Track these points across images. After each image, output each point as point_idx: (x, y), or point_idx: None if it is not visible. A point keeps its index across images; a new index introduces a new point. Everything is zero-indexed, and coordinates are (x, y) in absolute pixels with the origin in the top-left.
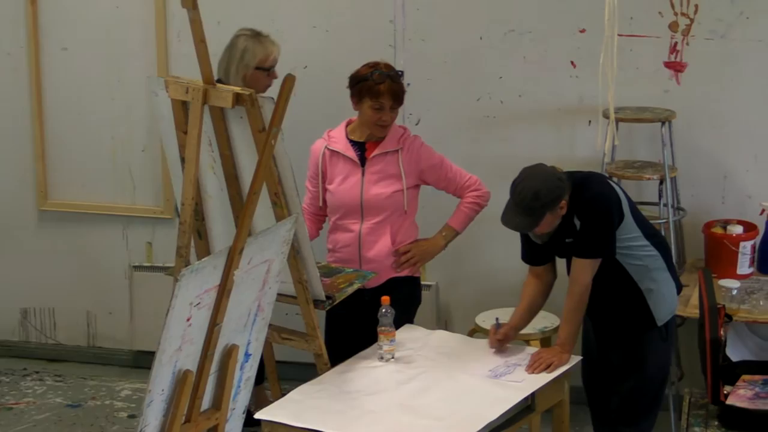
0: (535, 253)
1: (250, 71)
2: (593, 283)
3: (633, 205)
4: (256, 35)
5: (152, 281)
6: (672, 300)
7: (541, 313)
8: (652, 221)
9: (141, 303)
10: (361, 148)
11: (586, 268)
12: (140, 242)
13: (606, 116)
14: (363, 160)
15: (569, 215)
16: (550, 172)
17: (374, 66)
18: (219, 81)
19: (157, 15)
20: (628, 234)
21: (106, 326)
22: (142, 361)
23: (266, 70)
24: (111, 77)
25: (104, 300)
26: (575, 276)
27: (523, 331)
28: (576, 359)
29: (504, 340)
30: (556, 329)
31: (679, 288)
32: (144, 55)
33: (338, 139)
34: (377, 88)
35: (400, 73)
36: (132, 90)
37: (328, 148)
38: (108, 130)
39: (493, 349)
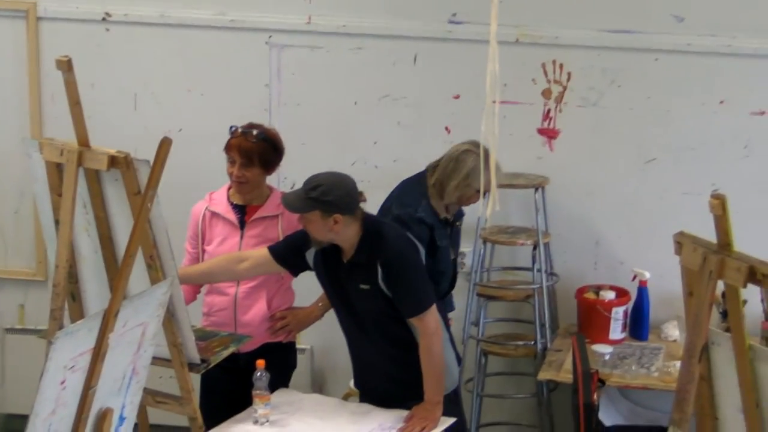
0: (286, 251)
1: (471, 192)
2: (362, 346)
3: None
4: (488, 159)
5: (24, 344)
6: (453, 369)
7: None
8: (525, 286)
9: (12, 366)
10: (241, 211)
11: (424, 320)
12: (12, 304)
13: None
14: (243, 223)
15: (371, 260)
16: (349, 185)
17: (249, 126)
18: (434, 184)
19: (30, 76)
20: None
21: None
22: (13, 425)
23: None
24: None
25: None
26: (420, 331)
27: None
28: (449, 421)
29: None
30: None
31: (459, 360)
32: (17, 116)
33: (219, 201)
34: (229, 141)
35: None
36: (4, 151)
37: (209, 210)
38: None
39: (369, 413)
